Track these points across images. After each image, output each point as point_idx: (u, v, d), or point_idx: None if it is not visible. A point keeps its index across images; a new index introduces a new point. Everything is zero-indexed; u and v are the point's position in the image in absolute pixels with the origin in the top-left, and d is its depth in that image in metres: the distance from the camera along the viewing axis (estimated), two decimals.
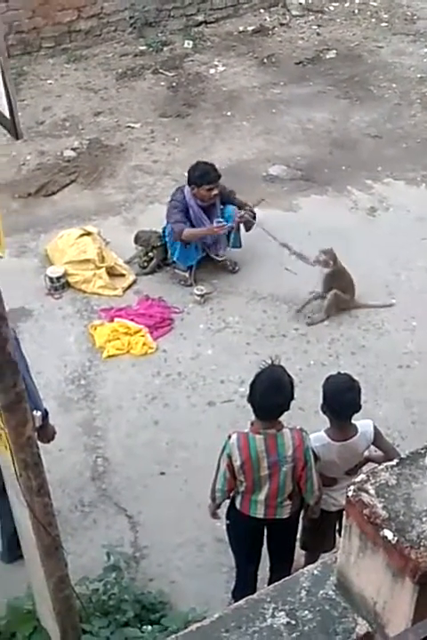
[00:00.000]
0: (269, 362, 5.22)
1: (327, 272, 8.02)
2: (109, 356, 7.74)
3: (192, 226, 8.27)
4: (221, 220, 8.29)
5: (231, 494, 5.31)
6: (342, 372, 5.59)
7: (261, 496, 5.19)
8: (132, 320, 8.04)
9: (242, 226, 8.54)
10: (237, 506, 5.32)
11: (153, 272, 8.65)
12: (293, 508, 5.30)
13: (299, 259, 8.27)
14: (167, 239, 8.46)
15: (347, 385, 5.26)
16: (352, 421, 5.32)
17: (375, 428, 5.43)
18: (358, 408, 5.25)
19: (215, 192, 8.22)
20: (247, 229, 8.57)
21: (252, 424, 5.16)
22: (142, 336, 7.88)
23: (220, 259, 8.59)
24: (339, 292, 8.03)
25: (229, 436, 5.15)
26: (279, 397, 5.02)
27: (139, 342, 7.83)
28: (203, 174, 8.19)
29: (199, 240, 8.40)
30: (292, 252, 8.32)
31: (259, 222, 8.53)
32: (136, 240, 8.70)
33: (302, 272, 8.34)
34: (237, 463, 5.08)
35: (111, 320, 8.05)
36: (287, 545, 5.54)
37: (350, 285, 8.11)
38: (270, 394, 5.00)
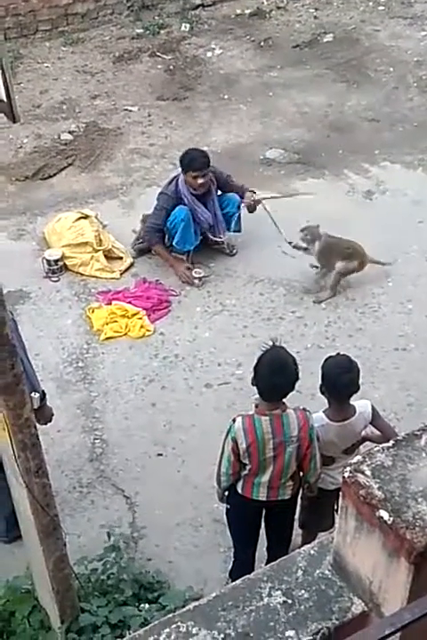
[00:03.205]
0: (271, 343, 5.24)
1: (317, 249, 8.02)
2: (107, 339, 7.76)
3: (190, 211, 8.27)
4: (199, 269, 8.40)
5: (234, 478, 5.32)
6: (341, 353, 5.63)
7: (265, 478, 5.20)
8: (129, 303, 8.06)
9: (245, 208, 8.57)
10: (239, 490, 5.31)
11: (143, 251, 8.67)
12: (294, 488, 5.34)
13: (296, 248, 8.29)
14: (168, 223, 8.41)
15: (346, 366, 5.29)
16: (350, 402, 5.37)
17: (373, 408, 5.46)
18: (356, 389, 5.28)
19: (201, 181, 8.16)
20: (251, 211, 8.58)
21: (256, 406, 5.17)
22: (140, 318, 7.90)
23: (220, 239, 8.60)
24: (342, 267, 8.02)
25: (234, 420, 5.13)
26: (284, 378, 5.02)
27: (136, 325, 7.86)
28: (190, 161, 8.15)
29: (197, 225, 8.43)
30: (288, 241, 8.31)
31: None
32: (142, 222, 8.69)
33: (299, 255, 8.36)
34: (242, 446, 5.08)
35: (109, 303, 8.07)
36: (286, 525, 5.56)
37: (352, 253, 8.07)
38: (275, 375, 5.00)
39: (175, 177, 8.38)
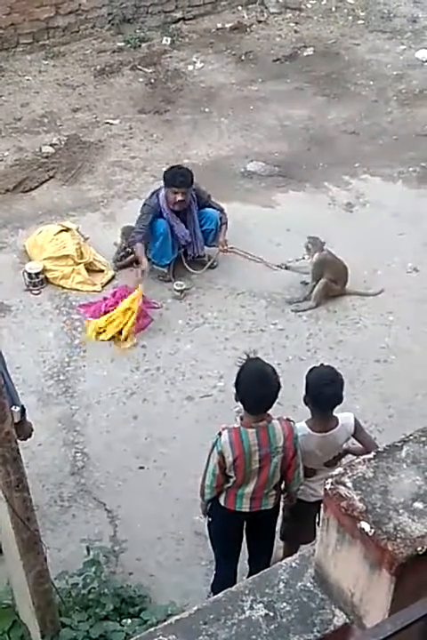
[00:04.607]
0: (246, 357, 5.24)
1: (314, 260, 8.09)
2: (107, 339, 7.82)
3: (169, 226, 8.30)
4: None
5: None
6: (325, 364, 5.64)
7: (248, 489, 5.19)
8: (112, 307, 8.04)
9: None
10: (222, 502, 5.30)
11: (126, 266, 8.65)
12: (276, 498, 5.34)
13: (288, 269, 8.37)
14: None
15: (330, 377, 5.30)
16: (333, 413, 5.37)
17: (356, 420, 5.47)
18: (339, 400, 5.29)
19: (179, 198, 8.18)
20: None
21: (241, 419, 5.17)
22: (132, 314, 7.87)
23: (198, 257, 8.63)
24: (329, 281, 8.10)
25: (220, 433, 5.12)
26: (268, 388, 5.01)
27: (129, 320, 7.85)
28: (172, 176, 8.19)
29: (180, 239, 8.43)
30: (276, 266, 8.38)
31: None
32: (122, 234, 8.67)
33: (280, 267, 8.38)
34: (229, 459, 5.07)
35: (93, 316, 8.05)
36: (268, 537, 5.56)
37: (340, 275, 8.20)
38: (260, 387, 5.00)
39: (157, 190, 8.39)
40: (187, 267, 8.60)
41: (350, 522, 2.63)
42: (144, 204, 8.40)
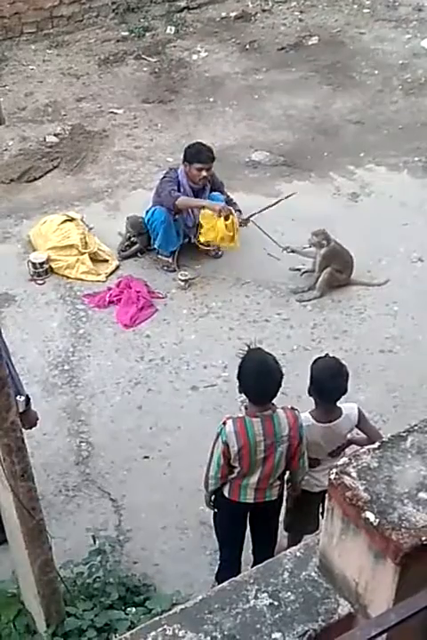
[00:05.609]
0: (247, 348, 5.23)
1: (323, 252, 8.09)
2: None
3: (169, 213, 8.27)
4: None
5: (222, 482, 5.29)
6: (330, 355, 5.62)
7: (253, 480, 5.18)
8: (117, 296, 8.07)
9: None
10: (226, 494, 5.30)
11: (131, 256, 8.66)
12: (280, 488, 5.33)
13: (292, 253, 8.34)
14: (149, 226, 8.45)
15: (335, 369, 5.27)
16: (337, 404, 5.36)
17: (360, 410, 5.45)
18: (344, 392, 5.28)
19: (204, 174, 8.23)
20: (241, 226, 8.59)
21: (246, 408, 5.16)
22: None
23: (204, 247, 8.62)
24: (334, 271, 8.10)
25: (224, 423, 5.10)
26: (271, 378, 5.00)
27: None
28: (197, 152, 8.23)
29: (183, 225, 8.43)
30: (284, 248, 8.35)
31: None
32: (128, 224, 8.66)
33: (284, 257, 8.36)
34: (234, 449, 5.05)
35: (98, 306, 8.07)
36: (272, 527, 5.55)
37: (347, 265, 8.20)
38: (262, 378, 4.99)
39: (174, 167, 8.41)
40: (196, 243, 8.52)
41: (355, 512, 2.63)
42: (164, 179, 8.34)
